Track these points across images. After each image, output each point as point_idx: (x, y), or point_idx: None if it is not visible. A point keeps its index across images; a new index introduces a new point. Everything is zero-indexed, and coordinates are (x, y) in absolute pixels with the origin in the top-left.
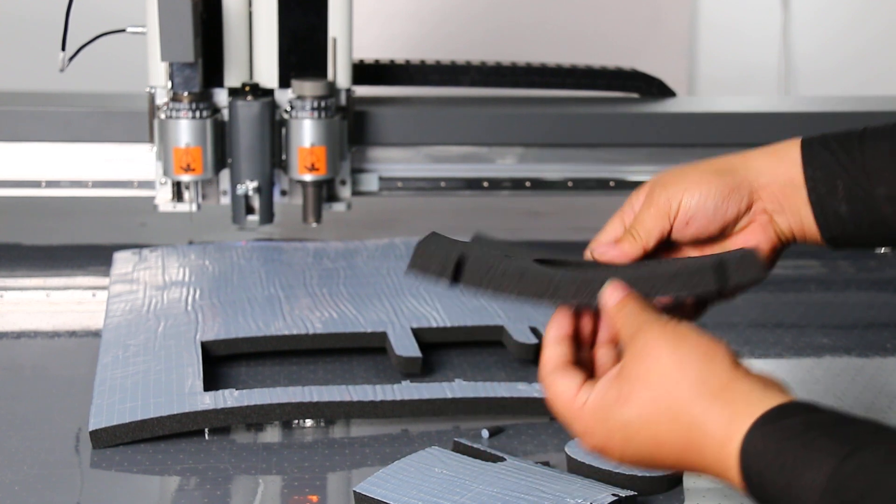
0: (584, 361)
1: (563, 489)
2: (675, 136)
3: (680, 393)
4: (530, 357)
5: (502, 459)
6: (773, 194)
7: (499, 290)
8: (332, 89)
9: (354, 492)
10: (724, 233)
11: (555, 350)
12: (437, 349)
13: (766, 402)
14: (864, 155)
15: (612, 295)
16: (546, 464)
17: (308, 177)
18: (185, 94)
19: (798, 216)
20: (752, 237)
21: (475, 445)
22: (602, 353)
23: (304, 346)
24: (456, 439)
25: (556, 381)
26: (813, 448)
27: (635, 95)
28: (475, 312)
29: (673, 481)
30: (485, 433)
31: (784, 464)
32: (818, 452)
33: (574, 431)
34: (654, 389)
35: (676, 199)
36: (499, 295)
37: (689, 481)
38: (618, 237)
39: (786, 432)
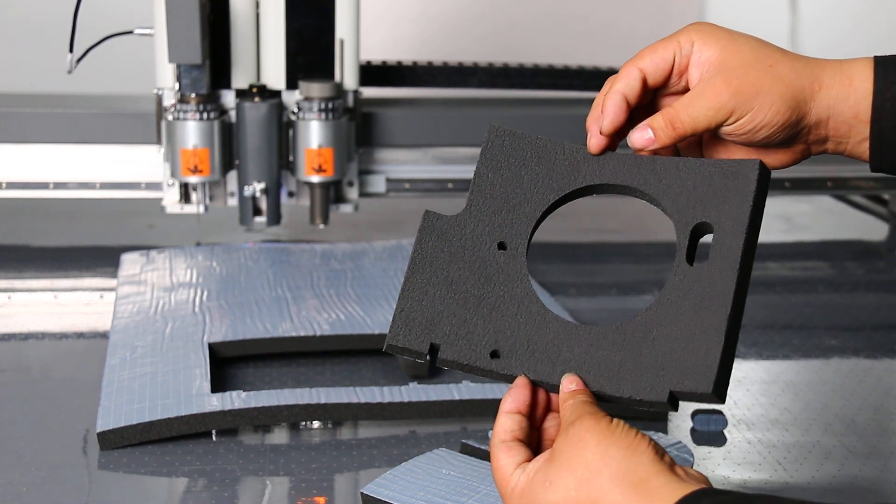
0: (535, 425)
1: None
2: None
3: (601, 482)
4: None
5: None
6: (835, 128)
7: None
8: (340, 91)
9: (362, 493)
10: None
11: (506, 422)
12: None
13: (680, 492)
14: None
15: (567, 384)
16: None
17: (315, 178)
18: (193, 95)
19: (850, 144)
20: (780, 157)
21: (482, 447)
22: (550, 424)
23: (312, 348)
24: (463, 441)
25: (499, 455)
26: None
27: None
28: None
29: None
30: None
31: None
32: None
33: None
34: (577, 476)
35: (742, 111)
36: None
37: None
38: (656, 121)
39: None
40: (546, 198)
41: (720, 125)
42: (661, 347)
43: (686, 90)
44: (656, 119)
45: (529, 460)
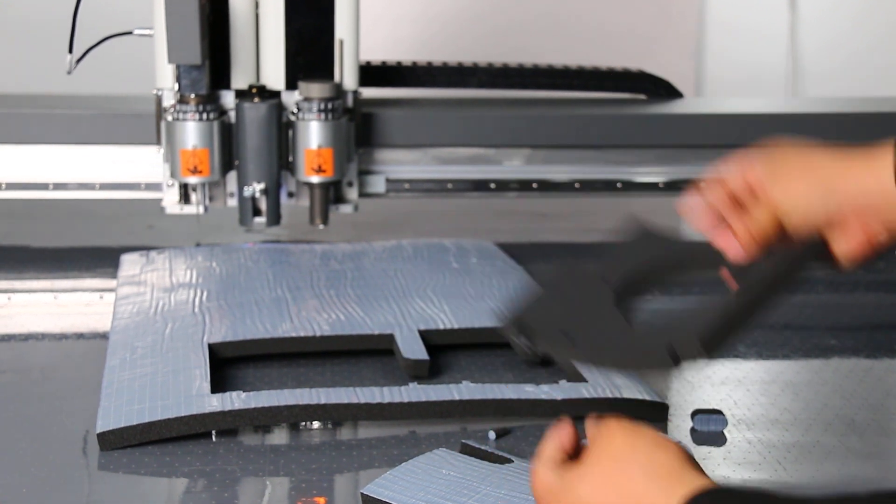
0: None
1: None
2: (683, 137)
3: (631, 471)
4: (537, 359)
5: (510, 461)
6: (872, 213)
7: None
8: (339, 91)
9: (362, 494)
10: None
11: (553, 447)
12: (445, 351)
13: (709, 485)
14: None
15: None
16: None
17: (315, 178)
18: (192, 96)
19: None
20: (841, 245)
21: (482, 447)
22: None
23: (312, 349)
24: (463, 441)
25: (540, 470)
26: None
27: (643, 97)
28: (482, 314)
29: None
30: (491, 435)
31: None
32: None
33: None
34: (606, 468)
35: (788, 213)
36: None
37: None
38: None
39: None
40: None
41: (775, 233)
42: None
43: None
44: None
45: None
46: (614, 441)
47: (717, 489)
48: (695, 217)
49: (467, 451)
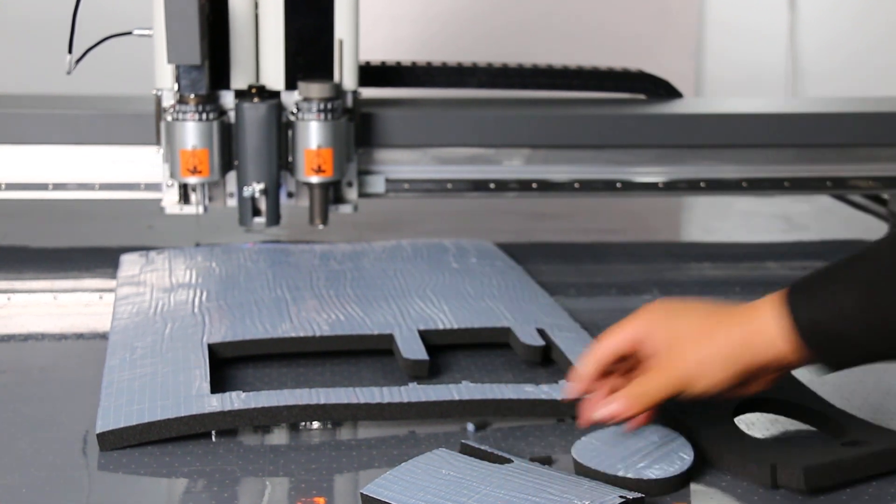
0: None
1: (571, 491)
2: (682, 137)
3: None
4: (537, 359)
5: (509, 461)
6: (775, 364)
7: None
8: (339, 91)
9: (361, 494)
10: None
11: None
12: (444, 351)
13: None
14: (839, 299)
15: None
16: (548, 459)
17: (314, 179)
18: (192, 96)
19: (797, 361)
20: (756, 386)
21: (482, 447)
22: None
23: (311, 349)
24: (463, 441)
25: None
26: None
27: (642, 97)
28: (482, 314)
29: (680, 483)
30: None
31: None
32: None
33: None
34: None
35: (692, 382)
36: None
37: (695, 484)
38: (612, 391)
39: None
40: None
41: (677, 395)
42: None
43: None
44: (618, 397)
45: None
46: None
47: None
48: (579, 379)
49: (467, 451)
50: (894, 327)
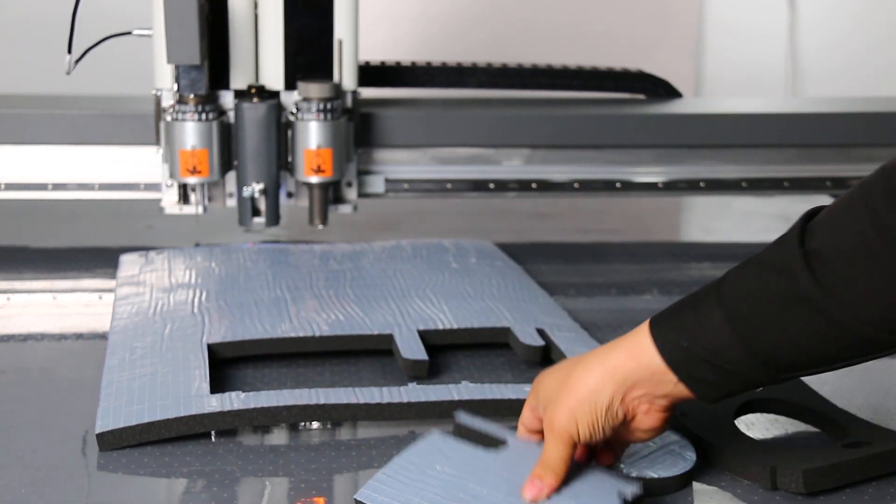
0: None
1: (569, 486)
2: (682, 137)
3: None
4: (537, 359)
5: (504, 442)
6: (647, 389)
7: None
8: (339, 91)
9: (355, 500)
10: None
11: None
12: (444, 351)
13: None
14: (699, 322)
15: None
16: None
17: (314, 179)
18: (192, 96)
19: (674, 392)
20: (647, 422)
21: (476, 426)
22: None
23: (311, 349)
24: (457, 422)
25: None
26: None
27: (642, 97)
28: (482, 314)
29: (682, 483)
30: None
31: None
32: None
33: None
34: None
35: (573, 431)
36: None
37: (698, 484)
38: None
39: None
40: None
41: (576, 446)
42: None
43: None
44: (533, 477)
45: None
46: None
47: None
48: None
49: (461, 432)
50: (760, 348)
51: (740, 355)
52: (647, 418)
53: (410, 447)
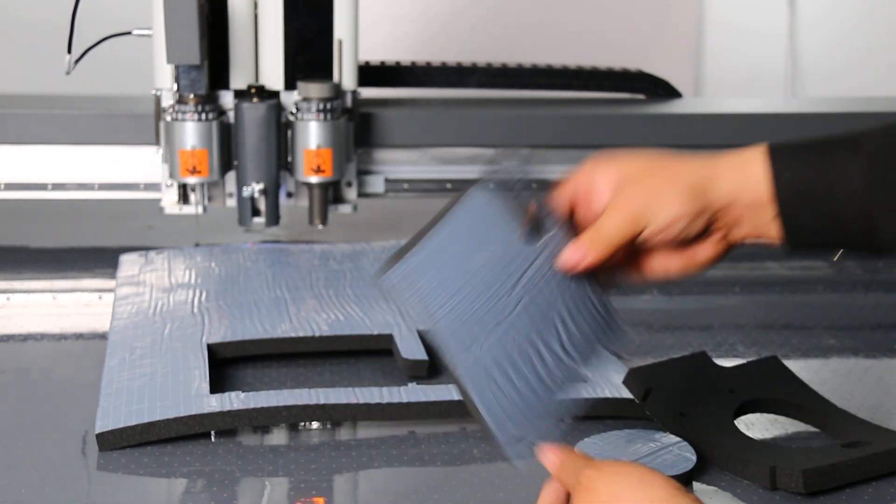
0: None
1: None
2: (682, 137)
3: None
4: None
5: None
6: (737, 214)
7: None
8: (338, 91)
9: (383, 268)
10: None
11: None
12: None
13: None
14: (831, 164)
15: (550, 460)
16: None
17: (314, 179)
18: (191, 96)
19: (758, 229)
20: (704, 251)
21: (518, 188)
22: None
23: (311, 349)
24: (495, 176)
25: None
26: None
27: (642, 97)
28: None
29: (682, 483)
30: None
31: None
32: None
33: None
34: None
35: (649, 215)
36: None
37: (698, 484)
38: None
39: None
40: None
41: (637, 235)
42: None
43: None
44: (578, 242)
45: None
46: (599, 492)
47: None
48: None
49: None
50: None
51: (861, 212)
52: (709, 247)
53: (452, 213)
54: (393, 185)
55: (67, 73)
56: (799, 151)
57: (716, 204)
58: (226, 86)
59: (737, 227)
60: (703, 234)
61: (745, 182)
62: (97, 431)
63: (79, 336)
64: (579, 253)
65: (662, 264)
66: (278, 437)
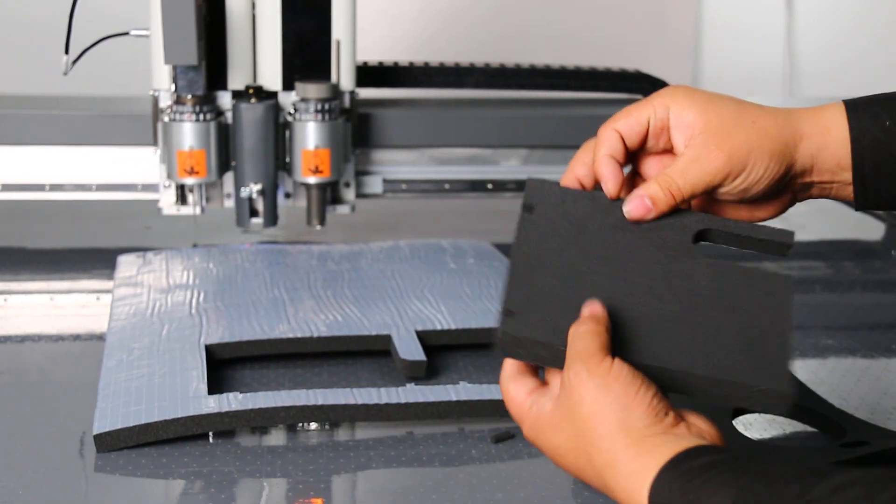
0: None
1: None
2: None
3: (595, 438)
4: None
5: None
6: (818, 175)
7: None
8: (336, 91)
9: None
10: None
11: (507, 365)
12: (442, 351)
13: (675, 448)
14: None
15: (588, 310)
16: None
17: (312, 179)
18: (189, 96)
19: (831, 190)
20: (769, 207)
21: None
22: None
23: (309, 350)
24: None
25: (508, 388)
26: (714, 483)
27: (640, 97)
28: (480, 315)
29: None
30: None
31: (690, 501)
32: (720, 486)
33: (523, 430)
34: (575, 428)
35: (739, 169)
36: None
37: None
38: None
39: (689, 474)
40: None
41: (717, 187)
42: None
43: (665, 152)
44: (652, 187)
45: (539, 386)
46: (584, 402)
47: (682, 456)
48: (606, 172)
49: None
50: None
51: None
52: (776, 204)
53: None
54: (391, 185)
55: (65, 73)
56: (879, 114)
57: (798, 167)
58: (224, 86)
59: (810, 189)
60: (776, 193)
61: (826, 147)
62: (95, 432)
63: (76, 337)
64: (646, 204)
65: (724, 215)
66: (276, 437)
